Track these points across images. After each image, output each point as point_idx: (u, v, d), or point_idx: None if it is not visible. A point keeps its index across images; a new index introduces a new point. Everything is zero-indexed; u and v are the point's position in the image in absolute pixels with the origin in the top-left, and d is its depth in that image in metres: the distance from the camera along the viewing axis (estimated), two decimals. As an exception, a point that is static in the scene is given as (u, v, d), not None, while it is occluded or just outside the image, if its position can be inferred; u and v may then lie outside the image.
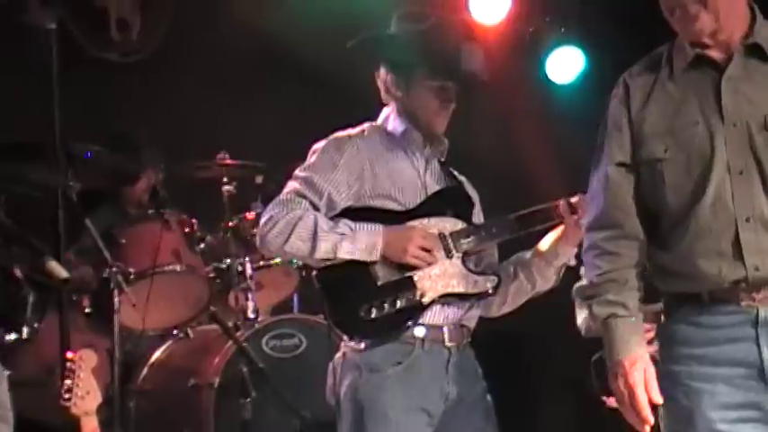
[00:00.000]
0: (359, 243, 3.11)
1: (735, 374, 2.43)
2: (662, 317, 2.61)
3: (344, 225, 3.13)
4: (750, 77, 2.48)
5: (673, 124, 2.51)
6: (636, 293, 2.58)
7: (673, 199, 2.50)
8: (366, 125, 3.33)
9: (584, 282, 2.64)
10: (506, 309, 3.38)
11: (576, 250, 3.24)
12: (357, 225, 3.14)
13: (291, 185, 3.21)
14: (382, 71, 3.31)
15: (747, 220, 2.43)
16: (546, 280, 3.31)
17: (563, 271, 3.32)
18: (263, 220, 3.18)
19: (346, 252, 3.11)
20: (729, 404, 2.43)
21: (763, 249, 2.42)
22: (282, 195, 3.20)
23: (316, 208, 3.16)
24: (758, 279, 2.42)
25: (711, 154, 2.45)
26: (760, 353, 2.41)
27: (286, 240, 3.10)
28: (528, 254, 3.34)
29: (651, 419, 2.49)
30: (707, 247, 2.45)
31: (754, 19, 2.54)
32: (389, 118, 3.32)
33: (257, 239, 3.22)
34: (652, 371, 2.50)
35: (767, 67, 2.49)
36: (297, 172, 3.24)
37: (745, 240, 2.43)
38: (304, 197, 3.16)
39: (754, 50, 2.50)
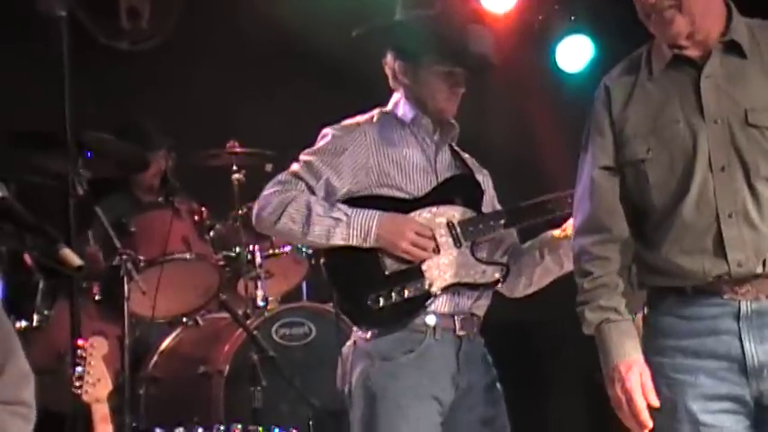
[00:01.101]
0: (353, 229, 3.11)
1: (717, 367, 2.44)
2: (645, 309, 2.62)
3: (340, 210, 3.13)
4: (729, 74, 2.49)
5: (654, 124, 2.52)
6: (628, 297, 2.59)
7: (657, 198, 2.52)
8: (375, 111, 3.32)
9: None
10: (532, 289, 3.37)
11: None
12: (353, 210, 3.13)
13: (292, 167, 3.22)
14: (389, 58, 3.31)
15: (730, 215, 2.44)
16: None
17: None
18: (259, 198, 3.20)
19: (340, 238, 3.11)
20: (712, 396, 2.44)
21: (745, 245, 2.43)
22: (281, 176, 3.21)
23: (312, 191, 3.16)
24: (741, 274, 2.43)
25: (694, 151, 2.46)
26: (742, 347, 2.42)
27: (277, 220, 3.11)
28: (554, 233, 3.31)
29: (650, 423, 2.50)
30: (690, 244, 2.46)
31: (730, 16, 2.54)
32: (399, 104, 3.32)
33: (253, 218, 3.24)
34: (648, 374, 2.51)
35: (745, 63, 2.50)
36: (301, 155, 3.25)
37: (728, 236, 2.44)
38: (301, 179, 3.17)
39: (731, 47, 2.51)
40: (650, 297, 2.59)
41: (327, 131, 3.26)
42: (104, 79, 5.11)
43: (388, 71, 3.33)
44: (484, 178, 3.39)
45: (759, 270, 2.42)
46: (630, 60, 2.65)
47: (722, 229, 2.44)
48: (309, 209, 3.10)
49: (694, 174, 2.46)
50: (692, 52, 2.52)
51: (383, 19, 3.35)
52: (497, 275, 3.22)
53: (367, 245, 3.12)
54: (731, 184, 2.45)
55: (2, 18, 4.92)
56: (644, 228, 2.56)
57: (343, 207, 3.13)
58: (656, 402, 2.48)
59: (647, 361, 2.53)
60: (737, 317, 2.43)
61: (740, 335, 2.43)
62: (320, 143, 3.24)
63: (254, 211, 3.21)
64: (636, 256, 2.58)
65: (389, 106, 3.34)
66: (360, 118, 3.29)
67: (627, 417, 2.53)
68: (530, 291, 3.37)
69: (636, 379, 2.50)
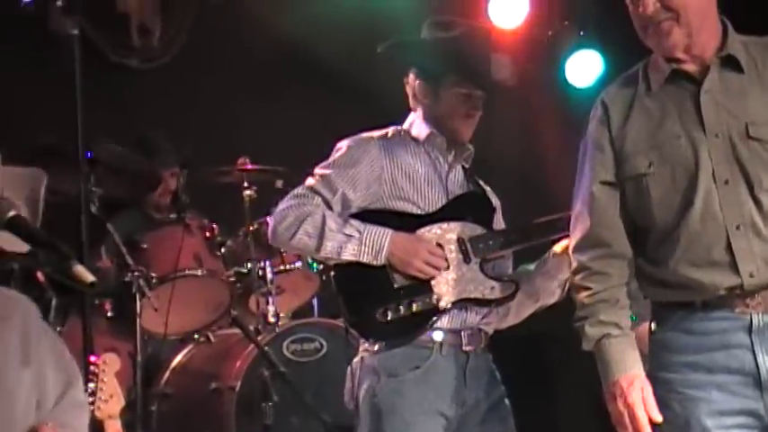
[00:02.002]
0: (364, 246, 3.12)
1: (730, 381, 2.43)
2: (651, 325, 2.61)
3: (353, 226, 3.14)
4: (727, 89, 2.50)
5: (655, 139, 2.53)
6: (627, 312, 2.59)
7: (660, 212, 2.52)
8: (391, 128, 3.34)
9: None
10: (510, 321, 3.36)
11: None
12: (366, 227, 3.14)
13: (309, 181, 3.23)
14: (411, 77, 3.33)
15: (738, 227, 2.44)
16: (549, 294, 3.30)
17: (567, 285, 3.31)
18: (275, 213, 3.21)
19: (351, 254, 3.12)
20: (725, 411, 2.43)
21: (756, 255, 2.43)
22: (297, 190, 3.23)
23: (328, 205, 3.17)
24: (753, 285, 2.43)
25: (696, 166, 2.47)
26: (755, 360, 2.42)
27: (293, 235, 3.13)
28: (532, 266, 3.34)
29: None
30: (699, 258, 2.46)
31: (725, 32, 2.56)
32: (414, 123, 3.34)
33: (269, 232, 3.25)
34: (649, 389, 2.50)
35: (742, 77, 2.52)
36: (317, 168, 3.26)
37: (738, 248, 2.44)
38: (317, 193, 3.18)
39: (728, 62, 2.52)
40: (656, 312, 2.58)
41: (342, 144, 3.27)
42: (116, 96, 5.14)
43: (408, 90, 3.35)
44: (495, 200, 3.41)
45: None
46: (627, 77, 2.66)
47: (731, 241, 2.44)
48: (324, 224, 3.11)
49: (698, 187, 2.46)
50: (690, 67, 2.54)
51: (407, 37, 3.38)
52: (507, 292, 3.22)
53: (378, 262, 3.13)
54: (737, 197, 2.45)
55: (15, 37, 4.96)
56: (646, 243, 2.56)
57: (357, 223, 3.14)
58: (658, 417, 2.47)
59: (654, 377, 2.52)
60: (749, 330, 2.43)
61: (753, 348, 2.42)
62: (335, 156, 3.25)
63: (270, 226, 3.23)
64: (638, 271, 2.58)
65: (405, 125, 3.36)
66: (375, 132, 3.31)
67: None
68: (509, 322, 3.36)
69: (638, 394, 2.49)
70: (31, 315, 2.53)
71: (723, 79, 2.51)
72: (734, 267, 2.44)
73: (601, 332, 2.56)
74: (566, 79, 5.93)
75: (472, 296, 3.19)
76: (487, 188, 3.42)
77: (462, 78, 3.24)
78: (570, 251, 2.71)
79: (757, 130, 2.45)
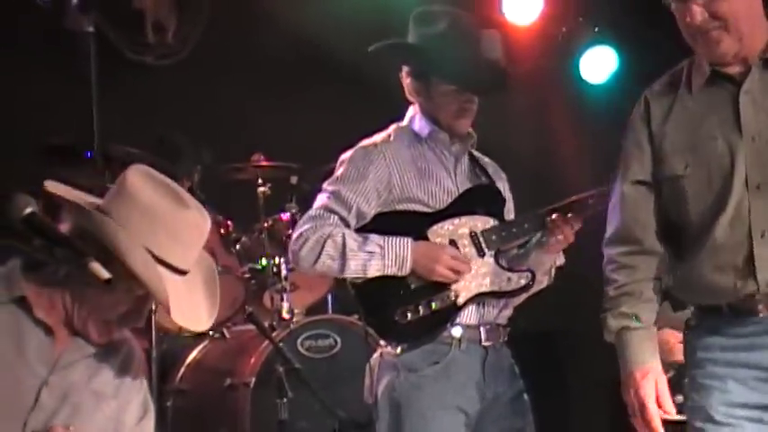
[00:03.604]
0: (388, 260, 3.12)
1: (749, 376, 2.42)
2: (688, 325, 2.60)
3: (373, 242, 3.14)
4: (766, 90, 2.45)
5: (693, 141, 2.50)
6: (652, 305, 2.58)
7: (695, 214, 2.49)
8: (392, 128, 3.33)
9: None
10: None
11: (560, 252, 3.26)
12: (386, 240, 3.14)
13: (321, 200, 3.22)
14: (404, 73, 3.33)
15: (762, 235, 2.41)
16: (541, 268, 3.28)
17: (554, 271, 3.32)
18: (294, 237, 3.20)
19: (376, 270, 3.12)
20: (739, 403, 2.42)
21: None
22: (312, 211, 3.21)
23: (345, 222, 3.17)
24: None
25: (731, 169, 2.43)
26: None
27: (316, 259, 3.12)
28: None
29: (662, 430, 2.48)
30: (723, 261, 2.44)
31: None
32: (415, 118, 3.33)
33: (290, 256, 3.24)
34: (664, 382, 2.50)
35: None
36: (325, 185, 3.25)
37: (759, 255, 2.41)
38: (333, 212, 3.17)
39: None
40: (693, 315, 2.57)
41: (345, 157, 3.26)
42: (131, 93, 5.16)
43: (404, 84, 3.35)
44: (503, 184, 3.40)
45: None
46: (672, 75, 2.62)
47: (753, 247, 2.41)
48: (344, 245, 3.11)
49: (731, 191, 2.43)
50: (732, 69, 2.50)
51: (393, 40, 3.36)
52: (523, 282, 3.22)
53: (402, 273, 3.13)
54: (766, 203, 2.42)
55: (31, 34, 4.98)
56: (681, 244, 2.54)
57: (376, 238, 3.14)
58: (671, 410, 2.47)
59: (688, 376, 2.52)
60: None
61: None
62: (341, 170, 3.24)
63: (291, 251, 3.20)
64: (673, 272, 2.56)
65: (405, 121, 3.35)
66: (376, 138, 3.30)
67: (639, 424, 2.53)
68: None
69: (651, 386, 2.49)
70: (134, 348, 2.58)
71: (764, 80, 2.46)
72: (752, 274, 2.41)
73: (621, 324, 2.56)
74: (580, 75, 5.92)
75: (489, 290, 3.19)
76: (494, 169, 3.39)
77: (448, 78, 3.22)
78: (603, 245, 2.70)
79: None
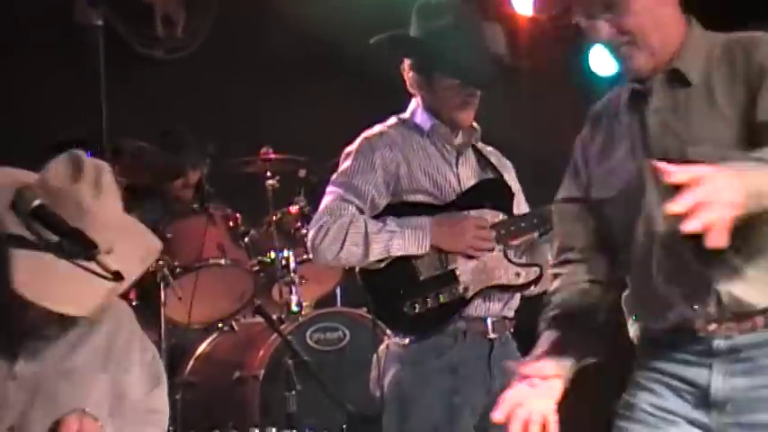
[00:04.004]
0: (408, 238, 3.13)
1: (682, 388, 2.30)
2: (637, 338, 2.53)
3: (392, 223, 3.15)
4: (674, 106, 2.27)
5: (611, 164, 2.37)
6: (569, 310, 2.43)
7: (619, 238, 2.37)
8: (393, 120, 3.34)
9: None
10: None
11: None
12: (404, 220, 3.15)
13: (334, 192, 3.22)
14: (406, 67, 3.33)
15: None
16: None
17: None
18: (312, 231, 3.19)
19: (397, 249, 3.13)
20: (667, 408, 2.30)
21: None
22: (328, 204, 3.21)
23: (361, 212, 3.18)
24: (699, 315, 2.25)
25: (642, 191, 2.27)
26: (709, 379, 2.26)
27: (341, 248, 3.12)
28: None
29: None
30: (645, 283, 2.30)
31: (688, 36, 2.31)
32: (417, 112, 3.34)
33: (310, 251, 3.23)
34: (536, 387, 2.32)
35: (690, 90, 2.26)
36: (336, 178, 3.25)
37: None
38: (350, 202, 3.18)
39: (675, 75, 2.28)
40: (639, 331, 2.45)
41: (351, 149, 3.27)
42: (140, 87, 5.17)
43: (405, 77, 3.35)
44: (509, 173, 3.40)
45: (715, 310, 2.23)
46: (612, 93, 2.49)
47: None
48: (366, 230, 3.13)
49: (642, 214, 2.29)
50: (647, 84, 2.33)
51: (395, 33, 3.35)
52: (531, 276, 3.23)
53: (423, 251, 3.13)
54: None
55: (41, 28, 4.99)
56: (620, 264, 2.43)
57: (394, 220, 3.16)
58: (498, 417, 2.27)
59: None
60: (710, 353, 2.26)
61: (711, 368, 2.25)
62: (349, 162, 3.24)
63: (312, 245, 3.19)
64: (626, 287, 2.44)
65: (407, 114, 3.35)
66: (379, 128, 3.30)
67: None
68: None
69: (519, 387, 2.31)
70: (123, 321, 2.54)
71: (669, 96, 2.28)
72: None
73: (541, 327, 2.44)
74: (589, 68, 5.91)
75: (498, 283, 3.19)
76: (499, 159, 3.40)
77: (451, 73, 3.22)
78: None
79: (695, 152, 2.21)
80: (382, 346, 3.23)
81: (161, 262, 4.30)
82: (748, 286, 2.18)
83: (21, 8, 4.94)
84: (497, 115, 3.38)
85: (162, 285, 4.29)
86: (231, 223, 4.75)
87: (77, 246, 2.12)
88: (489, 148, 3.42)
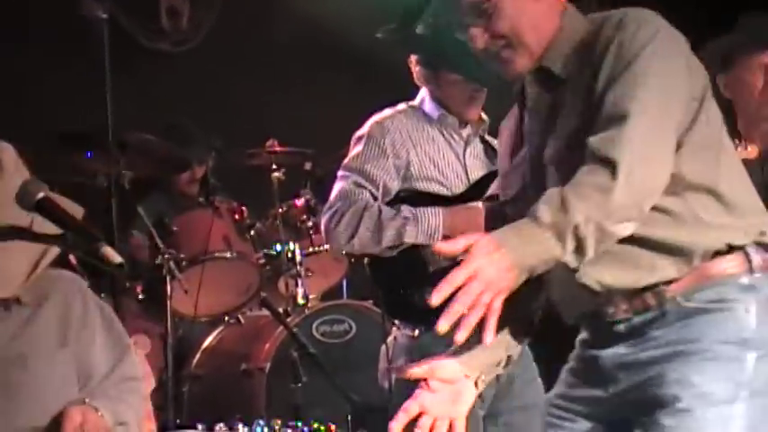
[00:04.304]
0: (421, 226, 3.13)
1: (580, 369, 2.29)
2: None
3: (406, 209, 3.15)
4: (545, 104, 2.19)
5: (514, 162, 2.30)
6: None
7: None
8: (403, 105, 3.35)
9: None
10: None
11: None
12: (418, 209, 3.15)
13: (348, 177, 3.22)
14: (413, 61, 3.34)
15: None
16: None
17: None
18: (327, 216, 3.18)
19: (410, 236, 3.13)
20: (575, 396, 2.29)
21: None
22: (342, 188, 3.20)
23: (374, 197, 3.18)
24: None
25: (531, 191, 2.17)
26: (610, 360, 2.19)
27: (355, 232, 3.12)
28: None
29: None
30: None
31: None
32: (425, 100, 3.35)
33: (324, 235, 3.23)
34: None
35: (560, 85, 2.16)
36: (347, 163, 3.25)
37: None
38: (363, 187, 3.18)
39: (541, 74, 2.19)
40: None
41: (362, 134, 3.26)
42: (145, 80, 5.16)
43: (412, 69, 3.36)
44: None
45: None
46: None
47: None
48: (380, 215, 3.13)
49: None
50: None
51: (401, 24, 3.34)
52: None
53: (435, 240, 3.13)
54: None
55: (46, 21, 4.99)
56: None
57: (408, 207, 3.16)
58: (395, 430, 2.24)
59: None
60: (616, 338, 2.19)
61: (616, 349, 2.18)
62: (360, 147, 3.24)
63: (326, 229, 3.18)
64: None
65: (417, 101, 3.36)
66: (389, 112, 3.31)
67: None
68: None
69: (420, 396, 2.30)
70: (75, 294, 2.52)
71: (541, 94, 2.20)
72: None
73: None
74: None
75: (506, 275, 3.18)
76: None
77: (458, 69, 3.22)
78: None
79: (547, 154, 2.14)
80: (389, 338, 3.23)
81: (167, 255, 4.30)
82: (615, 272, 2.11)
83: (26, 1, 4.94)
84: (501, 110, 3.36)
85: (168, 278, 4.28)
86: (237, 216, 4.75)
87: (81, 238, 2.11)
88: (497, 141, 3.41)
